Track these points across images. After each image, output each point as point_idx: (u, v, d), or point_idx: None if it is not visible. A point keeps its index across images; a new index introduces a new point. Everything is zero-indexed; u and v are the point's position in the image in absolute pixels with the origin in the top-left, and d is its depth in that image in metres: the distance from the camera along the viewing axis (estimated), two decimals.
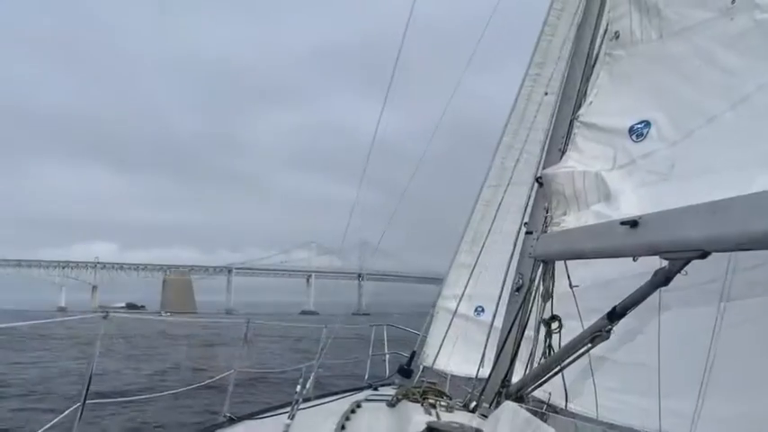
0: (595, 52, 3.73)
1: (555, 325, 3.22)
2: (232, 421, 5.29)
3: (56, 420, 3.78)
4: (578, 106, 3.56)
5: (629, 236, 2.32)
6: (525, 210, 3.96)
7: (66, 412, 3.81)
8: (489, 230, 5.20)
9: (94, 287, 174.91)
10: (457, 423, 2.08)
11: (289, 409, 4.10)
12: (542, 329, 3.33)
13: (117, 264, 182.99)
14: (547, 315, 3.42)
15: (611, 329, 2.69)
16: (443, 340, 5.34)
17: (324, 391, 6.27)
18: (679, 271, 2.21)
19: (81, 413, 3.75)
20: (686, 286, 2.95)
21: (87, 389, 3.78)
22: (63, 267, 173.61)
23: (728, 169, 2.24)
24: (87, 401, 3.80)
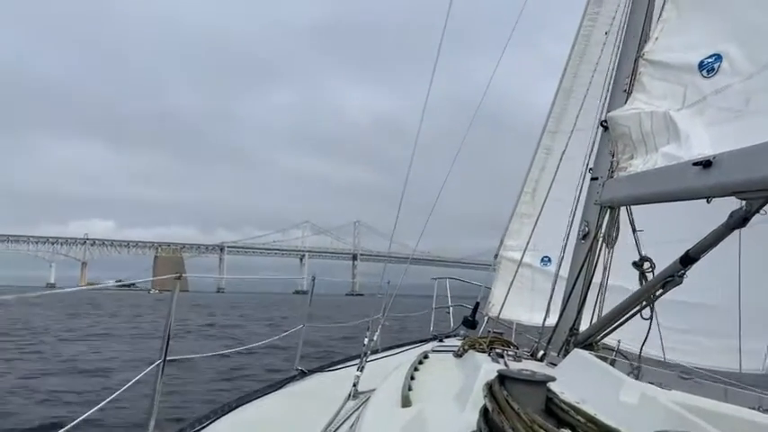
0: None
1: (647, 265, 3.12)
2: (303, 374, 5.49)
3: (138, 377, 4.00)
4: (643, 43, 3.40)
5: (703, 177, 2.23)
6: (589, 155, 3.84)
7: (148, 369, 4.01)
8: (553, 179, 5.09)
9: (84, 264, 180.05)
10: (528, 370, 2.08)
11: (357, 361, 4.21)
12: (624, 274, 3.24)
13: (107, 240, 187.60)
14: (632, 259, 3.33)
15: (683, 274, 2.61)
16: (509, 290, 5.32)
17: (390, 344, 6.41)
18: (758, 211, 2.12)
19: (162, 369, 3.95)
20: (759, 224, 2.84)
21: (167, 345, 3.97)
22: (53, 243, 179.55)
23: None
24: (167, 358, 3.99)
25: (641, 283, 3.11)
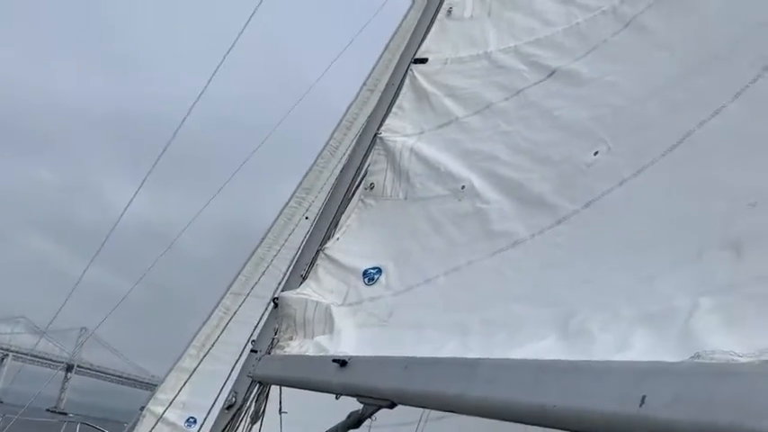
0: (351, 194, 4.03)
1: None
2: None
3: None
4: (327, 239, 3.76)
5: (338, 374, 2.43)
6: (256, 326, 3.94)
7: None
8: (218, 338, 5.05)
9: None
10: None
11: None
12: None
13: None
14: None
15: None
16: None
17: None
18: (370, 416, 2.35)
19: None
20: (382, 427, 3.14)
21: None
22: None
23: (433, 328, 2.51)
24: None
25: None
